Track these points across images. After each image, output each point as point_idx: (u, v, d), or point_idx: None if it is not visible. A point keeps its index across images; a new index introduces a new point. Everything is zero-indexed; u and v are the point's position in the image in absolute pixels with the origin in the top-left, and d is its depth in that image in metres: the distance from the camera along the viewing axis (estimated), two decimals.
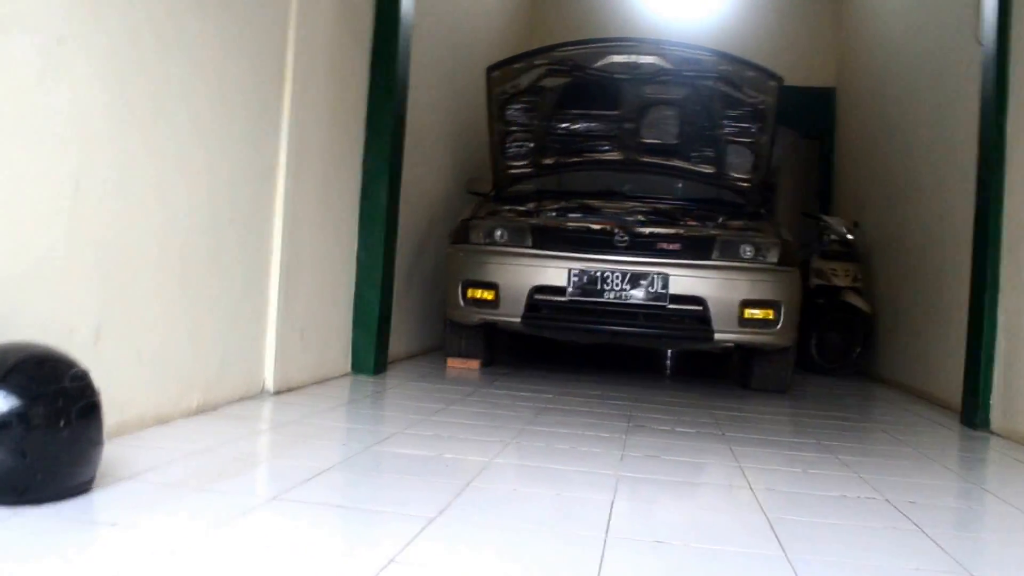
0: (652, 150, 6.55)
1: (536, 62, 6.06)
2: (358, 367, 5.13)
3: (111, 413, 2.52)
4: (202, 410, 3.55)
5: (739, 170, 6.41)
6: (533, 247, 5.46)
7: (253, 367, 4.02)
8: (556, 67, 6.14)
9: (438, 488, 2.70)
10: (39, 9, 2.53)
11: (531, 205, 6.12)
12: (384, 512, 2.42)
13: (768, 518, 2.64)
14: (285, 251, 4.14)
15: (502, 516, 2.46)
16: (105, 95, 2.81)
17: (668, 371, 7.15)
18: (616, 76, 6.15)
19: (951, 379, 5.47)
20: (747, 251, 5.42)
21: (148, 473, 2.59)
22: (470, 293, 5.55)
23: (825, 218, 8.14)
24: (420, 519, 2.35)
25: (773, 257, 5.39)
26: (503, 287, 5.44)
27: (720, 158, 6.46)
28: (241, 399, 3.89)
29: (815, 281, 7.78)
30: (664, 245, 5.39)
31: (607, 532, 2.37)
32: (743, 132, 6.26)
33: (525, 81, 6.17)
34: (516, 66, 6.03)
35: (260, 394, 4.06)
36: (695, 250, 5.38)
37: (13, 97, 2.45)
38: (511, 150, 6.51)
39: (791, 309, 5.40)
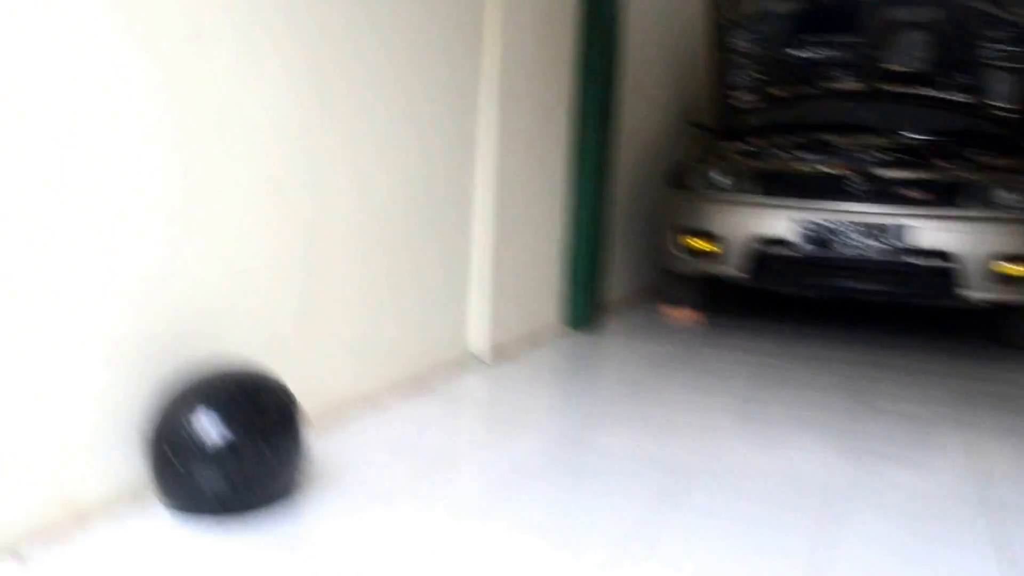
0: (898, 78, 5.95)
1: None
2: (570, 321, 5.02)
3: (316, 398, 2.54)
4: (412, 386, 3.55)
5: (1001, 99, 5.73)
6: (758, 194, 5.10)
7: (462, 336, 4.01)
8: None
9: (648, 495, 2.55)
10: (228, 14, 2.47)
11: (758, 143, 5.73)
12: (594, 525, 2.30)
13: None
14: (494, 214, 4.06)
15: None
16: (294, 91, 2.75)
17: (908, 323, 6.64)
18: None
19: None
20: (1002, 196, 4.85)
21: (351, 473, 2.58)
22: (687, 242, 5.28)
23: None
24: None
25: None
26: (724, 238, 5.14)
27: (978, 86, 5.79)
28: (451, 369, 3.88)
29: None
30: (904, 192, 4.90)
31: None
32: (1007, 56, 5.58)
33: (752, 5, 5.72)
34: None
35: (471, 362, 4.04)
36: (940, 197, 4.88)
37: (211, 104, 2.42)
38: (736, 81, 6.10)
39: None
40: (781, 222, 5.02)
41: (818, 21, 5.87)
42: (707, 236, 5.22)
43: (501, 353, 4.24)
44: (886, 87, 5.96)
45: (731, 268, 5.18)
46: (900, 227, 4.81)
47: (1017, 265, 4.79)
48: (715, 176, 5.28)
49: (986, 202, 4.84)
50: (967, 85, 5.79)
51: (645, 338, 5.11)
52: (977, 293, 4.83)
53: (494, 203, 4.03)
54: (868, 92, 6.01)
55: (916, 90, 5.90)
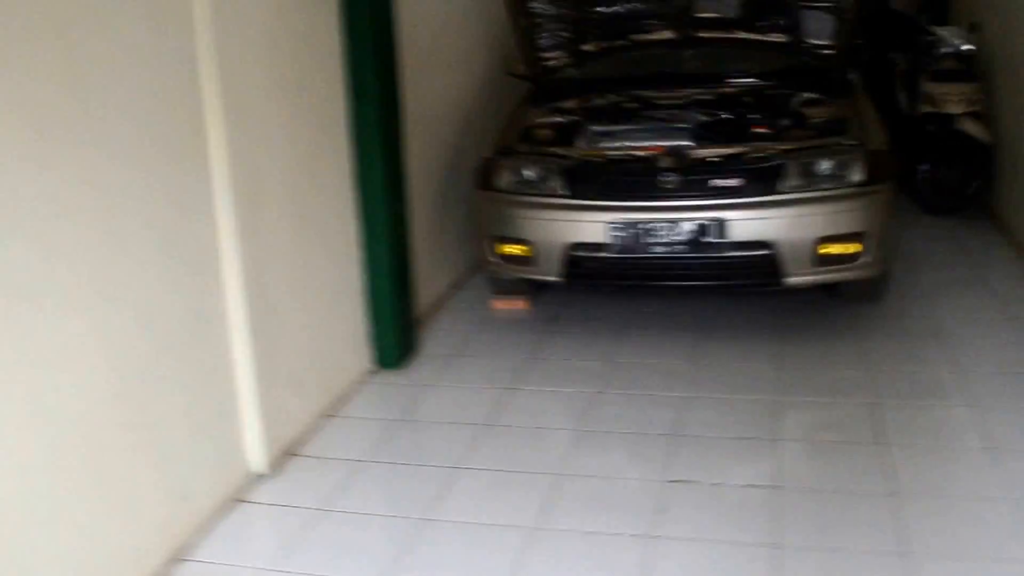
0: (711, 24, 5.48)
1: None
2: (384, 360, 4.60)
3: None
4: (178, 551, 3.12)
5: (819, 36, 5.29)
6: (568, 195, 4.66)
7: (235, 458, 3.56)
8: None
9: None
10: None
11: (571, 110, 5.34)
12: None
13: None
14: (247, 304, 3.53)
15: None
16: None
17: None
18: None
19: None
20: (824, 168, 4.49)
21: None
22: (501, 249, 4.85)
23: (936, 30, 6.84)
24: None
25: (856, 173, 4.46)
26: (536, 243, 4.72)
27: (794, 26, 5.34)
28: (225, 505, 3.45)
29: (924, 108, 6.66)
30: (720, 182, 4.49)
31: None
32: (822, 4, 5.15)
33: None
34: None
35: (250, 484, 3.61)
36: (758, 182, 4.48)
37: None
38: (543, 42, 5.55)
39: (881, 235, 4.53)
40: (593, 225, 4.60)
41: None
42: (519, 242, 4.78)
43: (295, 454, 3.82)
44: (700, 33, 5.46)
45: (545, 272, 4.80)
46: (718, 221, 4.43)
47: (844, 244, 4.47)
48: (523, 175, 4.80)
49: (807, 179, 4.48)
50: (782, 26, 5.32)
51: (475, 354, 4.79)
52: (805, 277, 4.54)
53: (245, 292, 3.49)
54: (682, 40, 5.51)
55: (731, 34, 5.42)
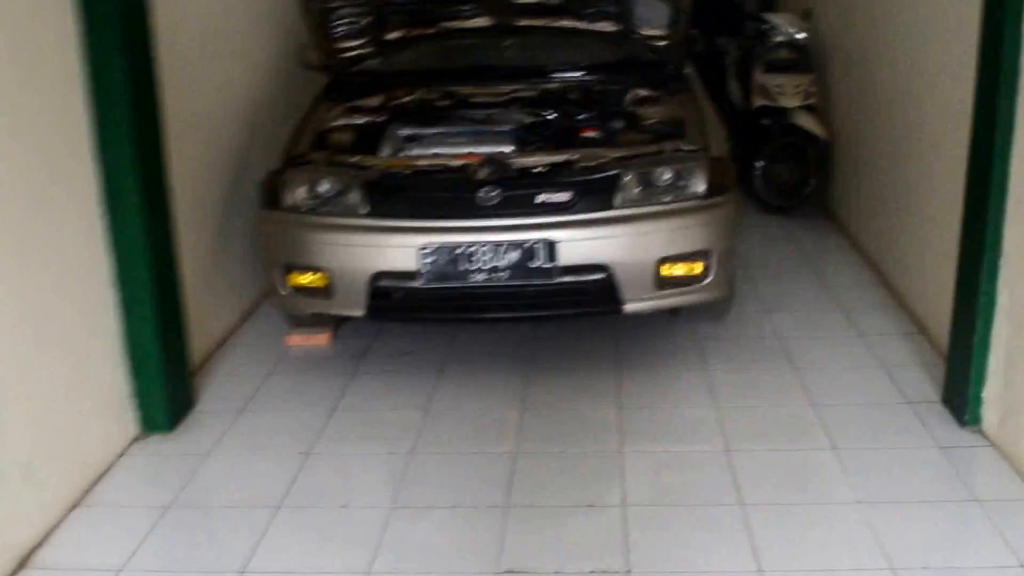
0: (530, 10, 4.84)
1: None
2: (149, 422, 3.76)
3: None
4: None
5: (652, 25, 4.73)
6: (370, 215, 3.92)
7: None
8: None
9: None
10: None
11: (374, 108, 4.63)
12: None
13: None
14: None
15: None
16: None
17: None
18: None
19: (928, 285, 4.26)
20: (663, 178, 3.92)
21: None
22: (293, 279, 4.07)
23: (768, 17, 6.42)
24: None
25: (699, 184, 3.92)
26: (334, 272, 3.96)
27: (624, 14, 4.78)
28: None
29: (758, 101, 6.23)
30: (547, 197, 3.86)
31: None
32: None
33: None
34: None
35: None
36: (591, 196, 3.88)
37: None
38: (339, 29, 4.78)
39: (728, 253, 4.01)
40: (401, 249, 3.89)
41: None
42: (314, 271, 4.01)
43: (25, 566, 2.98)
44: (520, 22, 4.82)
45: (346, 306, 4.05)
46: (547, 242, 3.79)
47: (688, 264, 3.91)
48: (317, 190, 4.03)
49: (646, 192, 3.90)
50: (611, 13, 4.76)
51: (266, 407, 4.03)
52: (646, 303, 3.96)
53: None
54: (500, 29, 4.86)
55: (552, 22, 4.81)
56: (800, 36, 6.20)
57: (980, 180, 3.34)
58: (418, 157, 4.15)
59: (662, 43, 4.75)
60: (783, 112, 6.08)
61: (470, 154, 4.12)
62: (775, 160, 6.19)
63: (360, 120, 4.59)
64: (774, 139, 6.13)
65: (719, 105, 6.23)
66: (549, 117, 4.51)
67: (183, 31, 4.15)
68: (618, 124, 4.42)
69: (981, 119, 3.34)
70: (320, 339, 4.60)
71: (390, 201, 3.92)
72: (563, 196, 3.85)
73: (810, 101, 6.09)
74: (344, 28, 4.79)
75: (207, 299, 4.43)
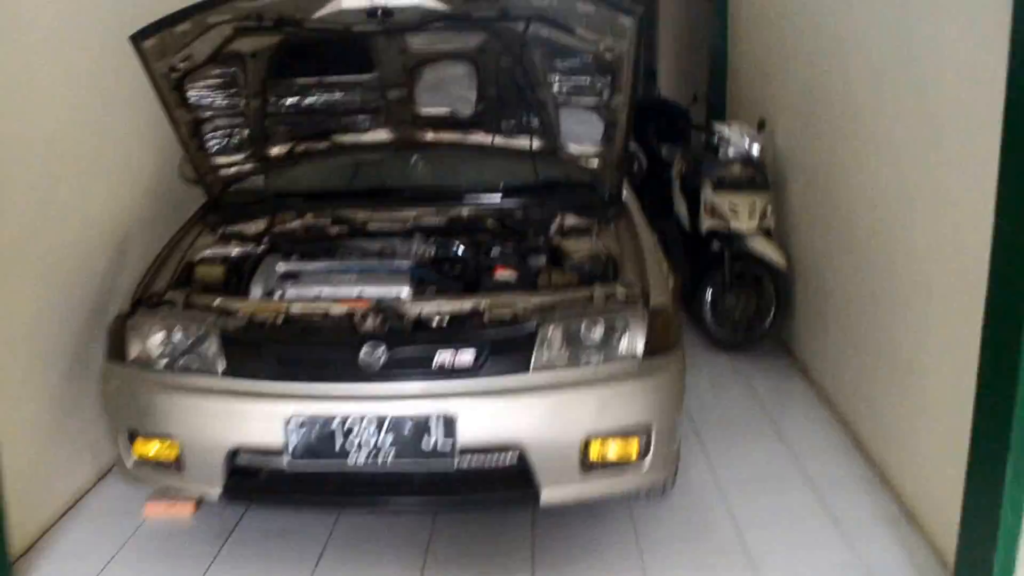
0: (438, 124, 4.14)
1: (212, 19, 3.51)
2: None
3: None
4: None
5: (583, 141, 4.03)
6: (228, 374, 3.11)
7: None
8: (248, 24, 3.61)
9: None
10: None
11: (251, 231, 3.93)
12: None
13: None
14: None
15: None
16: None
17: None
18: (358, 30, 3.69)
19: (919, 460, 3.54)
20: (592, 335, 3.16)
21: None
22: (139, 449, 3.24)
23: (718, 127, 5.77)
24: None
25: (636, 341, 3.18)
26: (185, 444, 3.13)
27: (550, 128, 4.08)
28: None
29: (709, 222, 5.54)
30: (448, 356, 3.08)
31: None
32: (584, 90, 3.91)
33: (204, 49, 3.66)
34: (179, 29, 3.46)
35: None
36: (502, 356, 3.11)
37: None
38: (214, 144, 4.04)
39: (671, 426, 3.23)
40: (265, 420, 3.08)
41: (309, 59, 3.95)
42: (162, 439, 3.19)
43: None
44: (424, 136, 4.09)
45: (199, 484, 3.25)
46: (445, 416, 3.01)
47: (622, 442, 3.13)
48: (169, 340, 3.25)
49: (570, 352, 3.14)
50: (535, 128, 4.04)
51: None
52: (569, 491, 3.15)
53: None
54: (402, 144, 4.13)
55: (464, 137, 4.09)
56: (755, 149, 5.54)
57: (1003, 349, 2.58)
58: (294, 301, 3.37)
59: (594, 163, 4.05)
60: (736, 236, 5.38)
61: (357, 298, 3.35)
62: (727, 289, 5.48)
63: (234, 250, 3.83)
64: (726, 266, 5.42)
65: (663, 223, 5.57)
66: (456, 251, 3.76)
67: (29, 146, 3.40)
68: (539, 261, 3.70)
69: (1004, 265, 2.60)
70: (183, 509, 3.76)
71: (252, 358, 3.15)
72: (466, 357, 3.10)
73: (767, 224, 5.40)
74: (218, 141, 4.02)
75: (53, 458, 3.71)
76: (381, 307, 3.23)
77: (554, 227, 3.92)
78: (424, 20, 3.65)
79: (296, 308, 3.31)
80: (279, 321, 3.25)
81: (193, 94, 3.84)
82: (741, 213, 5.39)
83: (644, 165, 4.64)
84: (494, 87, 4.04)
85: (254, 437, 3.12)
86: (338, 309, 3.28)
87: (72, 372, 3.78)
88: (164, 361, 3.25)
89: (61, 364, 3.74)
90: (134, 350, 3.28)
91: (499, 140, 4.16)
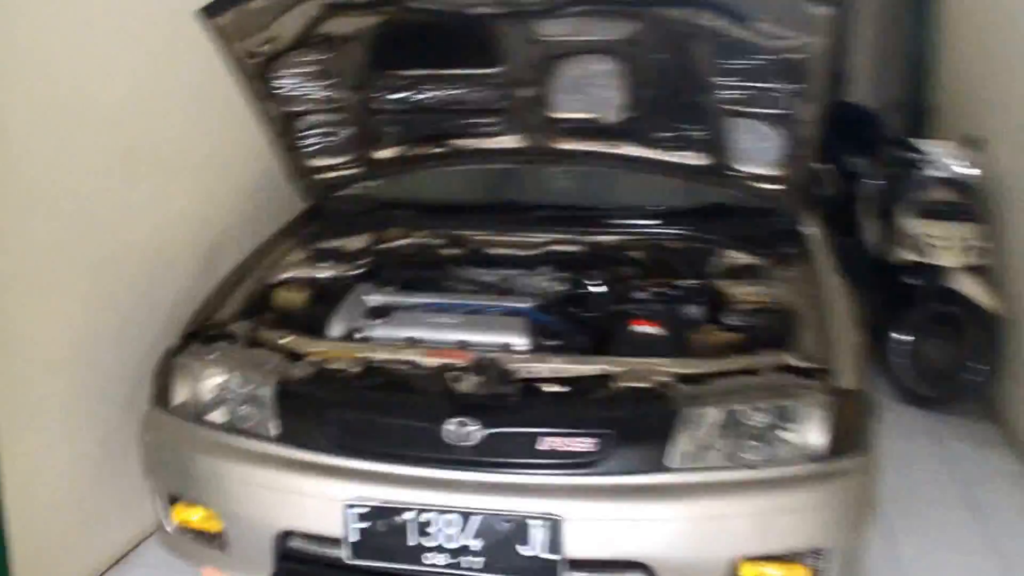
0: (578, 131, 3.37)
1: None
2: None
3: None
4: None
5: (758, 159, 3.18)
6: (281, 439, 2.44)
7: None
8: (338, 1, 2.94)
9: None
10: None
11: (349, 259, 3.30)
12: None
13: None
14: None
15: None
16: None
17: None
18: (475, 12, 2.95)
19: None
20: (755, 421, 2.36)
21: None
22: (180, 515, 2.63)
23: (920, 145, 4.79)
24: None
25: (813, 435, 2.37)
26: (229, 519, 2.50)
27: (718, 140, 3.24)
28: None
29: (904, 253, 4.58)
30: (559, 443, 2.34)
31: None
32: (761, 97, 3.04)
33: (289, 30, 3.02)
34: (256, 4, 2.82)
35: None
36: (632, 446, 2.35)
37: None
38: (311, 142, 3.42)
39: (852, 550, 2.42)
40: (321, 501, 2.41)
41: (423, 46, 3.24)
42: (204, 509, 2.56)
43: None
44: (558, 144, 3.34)
45: (243, 566, 2.62)
46: (549, 518, 2.25)
47: (785, 568, 2.32)
48: (216, 388, 2.63)
49: (722, 445, 2.33)
50: (700, 140, 3.21)
51: None
52: None
53: None
54: (535, 152, 3.38)
55: (615, 148, 3.29)
56: (966, 172, 4.55)
57: None
58: (379, 345, 2.67)
59: (772, 184, 3.21)
60: (937, 272, 4.41)
61: (458, 347, 2.62)
62: (923, 334, 4.52)
63: (324, 272, 3.17)
64: (924, 306, 4.46)
65: (845, 241, 4.61)
66: (591, 289, 2.99)
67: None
68: (694, 312, 2.89)
69: None
70: None
71: (311, 421, 2.48)
72: (584, 442, 2.33)
73: (977, 260, 4.41)
74: (316, 139, 3.38)
75: (102, 502, 3.20)
76: (483, 364, 2.51)
77: (715, 263, 3.11)
78: (559, 2, 2.88)
79: (379, 355, 2.62)
80: (353, 372, 2.56)
81: (281, 83, 3.20)
82: (945, 247, 4.43)
83: (830, 190, 3.75)
84: (647, 89, 3.24)
85: (308, 521, 2.47)
86: (430, 361, 2.58)
87: (131, 403, 3.19)
88: (213, 414, 2.60)
89: (115, 394, 3.16)
90: (180, 395, 2.67)
91: (651, 153, 3.35)
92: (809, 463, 2.34)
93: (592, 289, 3.03)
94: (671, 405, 2.37)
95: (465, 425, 2.36)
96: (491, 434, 2.36)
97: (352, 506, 2.37)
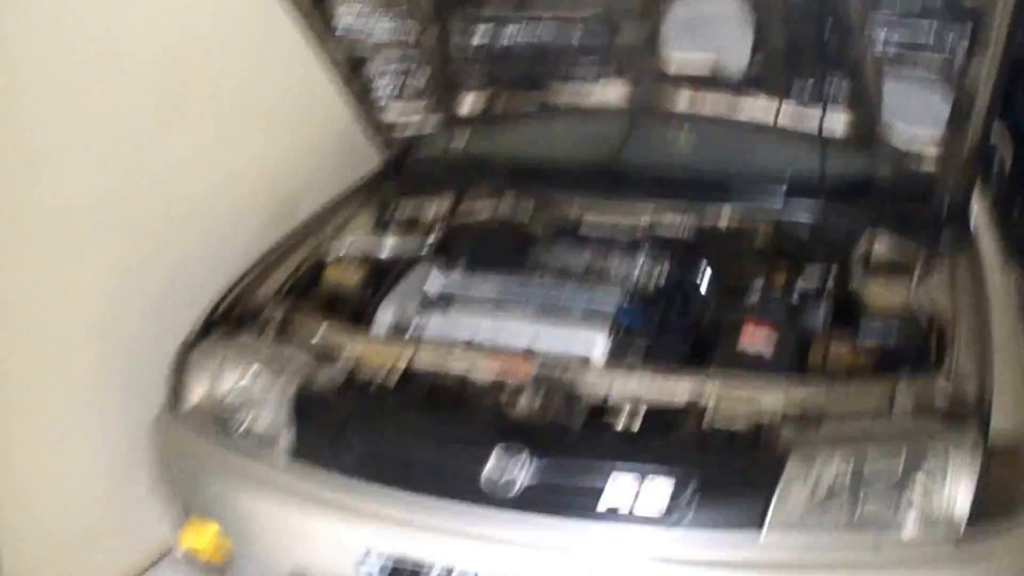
0: (696, 83, 2.78)
1: None
2: None
3: None
4: None
5: (916, 123, 2.54)
6: (294, 456, 2.04)
7: None
8: None
9: None
10: None
11: (417, 231, 2.82)
12: None
13: None
14: None
15: None
16: None
17: None
18: None
19: None
20: (880, 479, 1.83)
21: None
22: (187, 535, 2.25)
23: None
24: None
25: (957, 495, 1.80)
26: (238, 549, 2.11)
27: (866, 99, 2.57)
28: None
29: None
30: (628, 489, 1.85)
31: None
32: (924, 47, 2.39)
33: None
34: None
35: None
36: (720, 496, 1.87)
37: None
38: (382, 88, 2.95)
39: None
40: (328, 541, 2.01)
41: None
42: (210, 529, 2.18)
43: None
44: (672, 98, 2.77)
45: None
46: None
47: None
48: (229, 389, 2.21)
49: (839, 503, 1.81)
50: (838, 94, 2.57)
51: None
52: None
53: None
54: (638, 107, 2.81)
55: (734, 105, 2.70)
56: None
57: None
58: (429, 345, 2.21)
59: (931, 156, 2.55)
60: None
61: (524, 353, 2.14)
62: None
63: (388, 245, 2.72)
64: None
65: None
66: (696, 282, 2.45)
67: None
68: (816, 318, 2.30)
69: None
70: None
71: (327, 440, 2.03)
72: (658, 493, 1.82)
73: None
74: (388, 85, 2.91)
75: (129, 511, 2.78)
76: (545, 379, 2.02)
77: (856, 256, 2.51)
78: None
79: (424, 358, 2.16)
80: (391, 380, 2.12)
81: (343, 21, 2.72)
82: None
83: (1008, 164, 3.03)
84: (780, 33, 2.60)
85: (318, 565, 2.03)
86: (485, 370, 2.10)
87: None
88: (228, 421, 2.20)
89: (149, 384, 2.78)
90: (195, 395, 2.27)
91: (783, 113, 2.72)
92: (948, 533, 1.77)
93: (698, 283, 2.48)
94: (773, 456, 1.83)
95: (511, 461, 1.89)
96: (542, 476, 1.88)
97: (365, 558, 1.94)
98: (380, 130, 3.04)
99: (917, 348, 2.13)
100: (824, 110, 2.63)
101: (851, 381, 2.03)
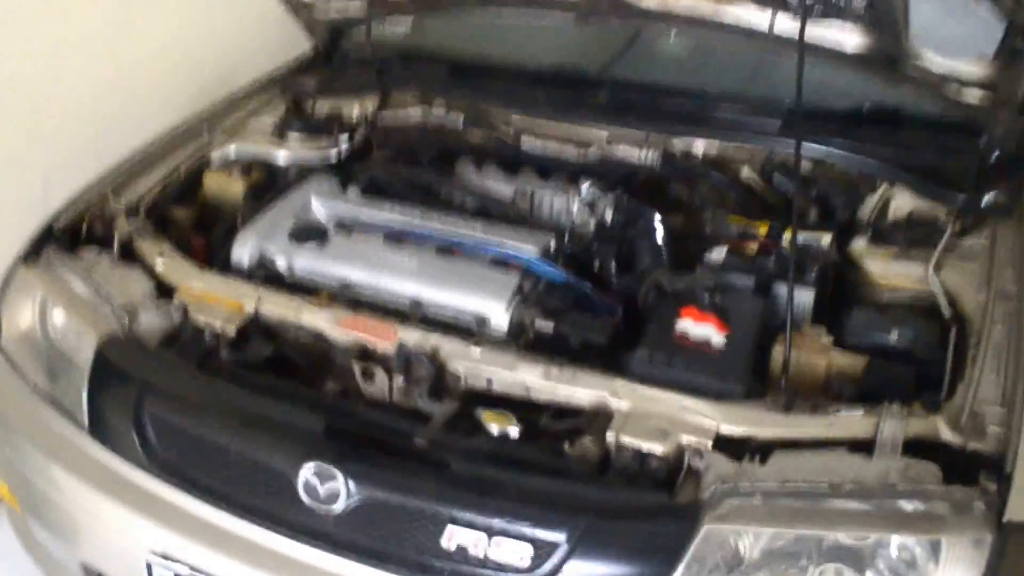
0: None
1: None
2: None
3: None
4: None
5: (955, 50, 1.90)
6: (91, 429, 1.58)
7: None
8: None
9: None
10: None
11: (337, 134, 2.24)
12: None
13: None
14: None
15: None
16: None
17: None
18: None
19: None
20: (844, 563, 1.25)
21: None
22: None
23: None
24: None
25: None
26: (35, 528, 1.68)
27: (886, 16, 1.93)
28: None
29: None
30: (479, 534, 1.33)
31: None
32: None
33: None
34: None
35: None
36: (608, 555, 1.33)
37: None
38: None
39: None
40: (117, 538, 1.58)
41: None
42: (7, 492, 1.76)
43: None
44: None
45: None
46: None
47: None
48: (53, 327, 1.73)
49: None
50: (861, 9, 1.94)
51: None
52: None
53: None
54: (600, 4, 2.20)
55: (720, 9, 2.08)
56: None
57: None
58: (282, 291, 1.68)
59: (973, 93, 1.92)
60: None
61: (401, 312, 1.61)
62: None
63: (282, 154, 2.17)
64: None
65: None
66: (647, 234, 1.88)
67: None
68: (795, 295, 1.70)
69: None
70: None
71: (117, 418, 1.52)
72: (519, 546, 1.30)
73: None
74: None
75: None
76: (411, 352, 1.49)
77: (863, 214, 1.92)
78: None
79: (273, 309, 1.64)
80: (224, 338, 1.60)
81: None
82: None
83: None
84: None
85: (107, 564, 1.56)
86: (344, 330, 1.58)
87: None
88: (39, 361, 1.71)
89: None
90: (21, 321, 1.79)
91: (784, 22, 2.08)
92: None
93: (652, 232, 1.91)
94: (689, 507, 1.29)
95: (326, 474, 1.37)
96: (366, 496, 1.37)
97: (151, 565, 1.45)
98: (298, 9, 2.46)
99: (923, 355, 1.56)
100: (832, 24, 2.00)
101: (820, 398, 1.47)
